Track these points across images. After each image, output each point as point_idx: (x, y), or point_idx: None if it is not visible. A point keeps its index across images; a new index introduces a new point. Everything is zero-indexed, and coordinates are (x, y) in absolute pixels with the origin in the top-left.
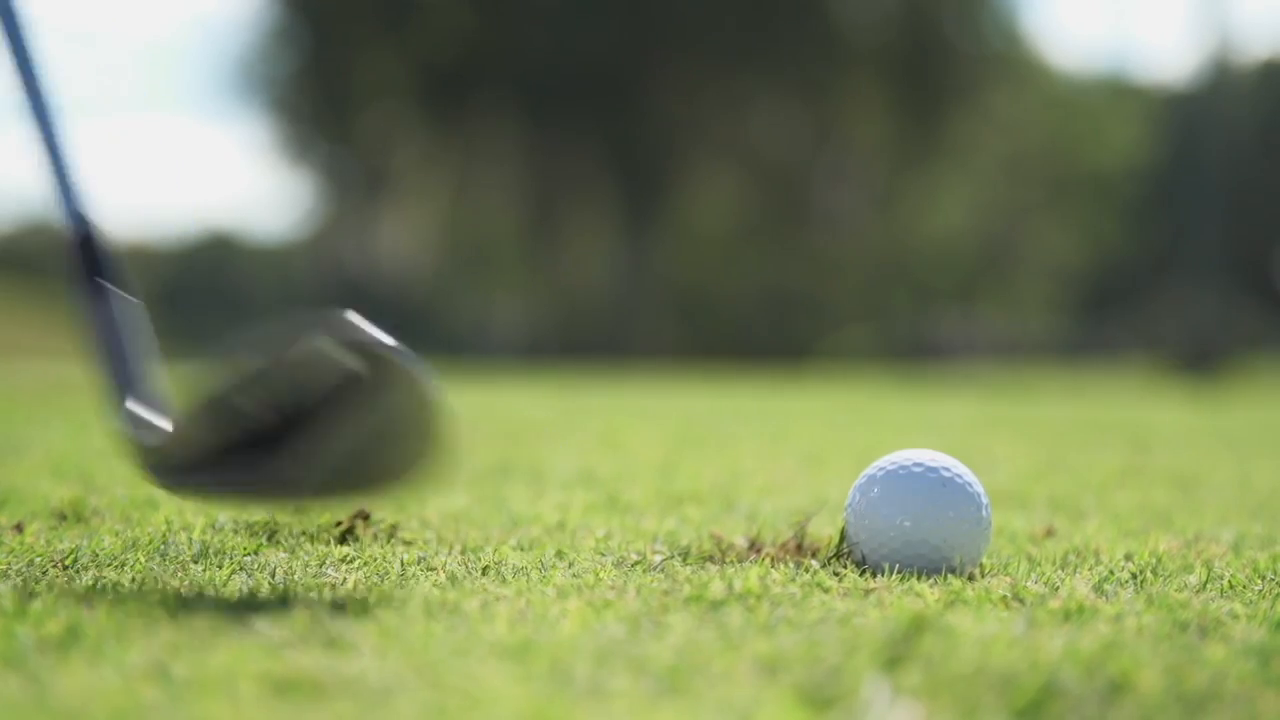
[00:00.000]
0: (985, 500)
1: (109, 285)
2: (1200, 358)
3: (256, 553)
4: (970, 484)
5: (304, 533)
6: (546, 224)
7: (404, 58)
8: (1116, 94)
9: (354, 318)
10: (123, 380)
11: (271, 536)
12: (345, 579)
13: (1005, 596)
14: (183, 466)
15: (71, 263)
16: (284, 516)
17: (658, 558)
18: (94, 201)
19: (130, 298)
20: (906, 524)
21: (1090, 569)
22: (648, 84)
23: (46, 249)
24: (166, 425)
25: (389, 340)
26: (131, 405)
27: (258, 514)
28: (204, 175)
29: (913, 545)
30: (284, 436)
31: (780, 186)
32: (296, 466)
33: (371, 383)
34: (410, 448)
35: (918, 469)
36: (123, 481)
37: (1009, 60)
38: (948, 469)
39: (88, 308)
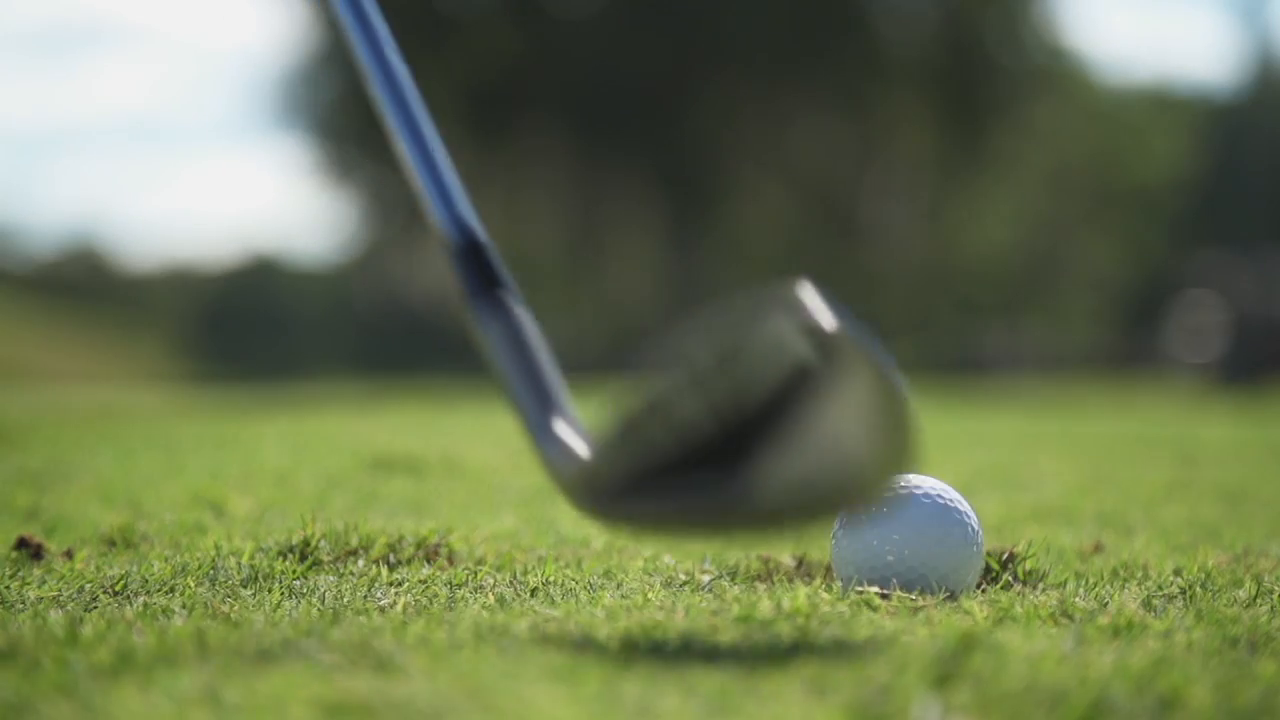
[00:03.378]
0: (976, 526)
1: (507, 296)
2: (1257, 369)
3: (305, 576)
4: (962, 510)
5: (352, 555)
6: (592, 241)
7: (448, 79)
8: (1160, 106)
9: (806, 292)
10: (540, 399)
11: (319, 561)
12: (394, 602)
13: (1054, 613)
14: (616, 491)
15: (461, 276)
16: (324, 538)
17: (706, 578)
18: (470, 207)
19: (524, 306)
20: (890, 558)
21: (1139, 584)
22: (692, 101)
23: (89, 276)
24: (589, 444)
25: (844, 322)
26: (553, 426)
27: (296, 536)
28: (248, 198)
29: (897, 570)
30: (728, 449)
31: (825, 201)
32: (746, 484)
33: (827, 377)
34: (874, 454)
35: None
36: (171, 507)
37: (1051, 73)
38: (942, 495)
39: (489, 324)
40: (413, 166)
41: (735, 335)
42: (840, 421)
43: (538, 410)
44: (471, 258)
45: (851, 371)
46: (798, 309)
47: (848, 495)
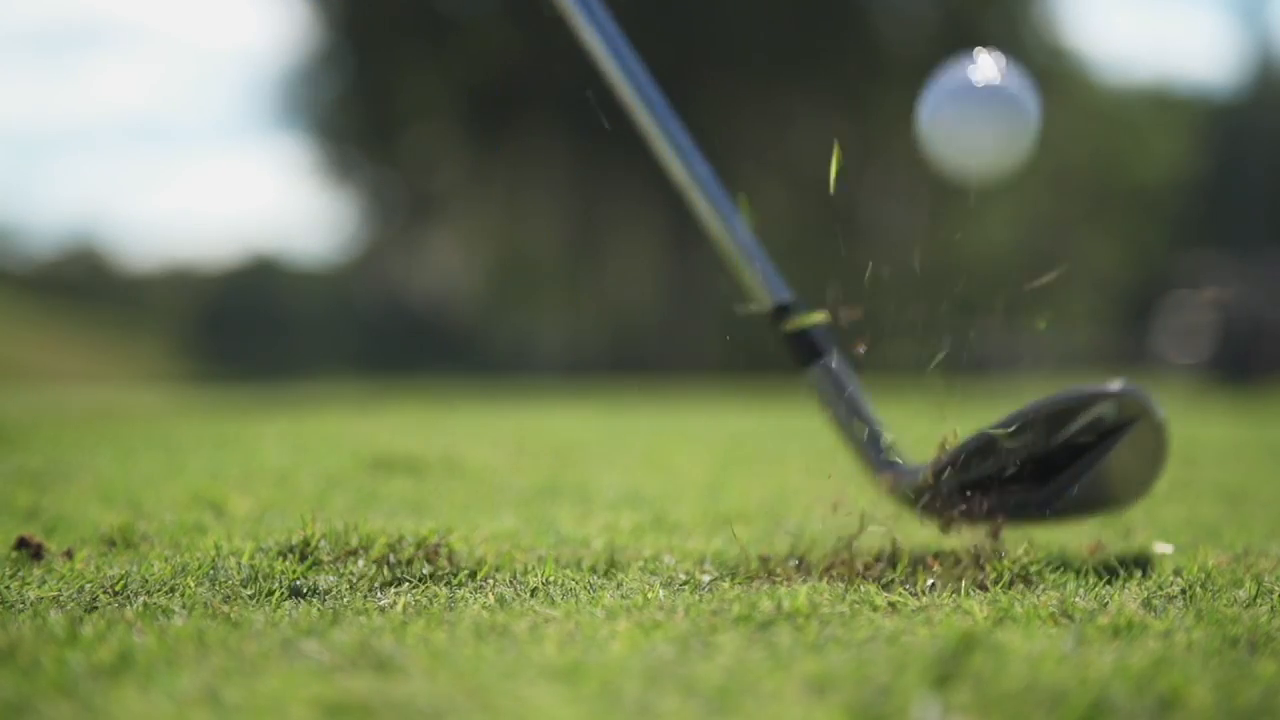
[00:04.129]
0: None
1: (830, 358)
2: (1246, 370)
3: (305, 577)
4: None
5: (352, 555)
6: (592, 241)
7: (448, 79)
8: (1160, 106)
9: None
10: (872, 435)
11: (319, 561)
12: (394, 602)
13: (1054, 613)
14: (946, 499)
15: (793, 349)
16: (324, 539)
17: (706, 578)
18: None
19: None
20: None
21: (1139, 584)
22: (691, 101)
23: (89, 276)
24: (917, 466)
25: (1137, 389)
26: (887, 454)
27: (296, 536)
28: (248, 198)
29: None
30: (1034, 472)
31: (824, 201)
32: (1047, 498)
33: (1118, 423)
34: (1142, 475)
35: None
36: (171, 507)
37: (1051, 74)
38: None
39: (823, 386)
40: (735, 252)
41: (1053, 397)
42: (1125, 457)
43: (873, 444)
44: (798, 332)
45: (1139, 420)
46: (1103, 386)
47: (1119, 505)
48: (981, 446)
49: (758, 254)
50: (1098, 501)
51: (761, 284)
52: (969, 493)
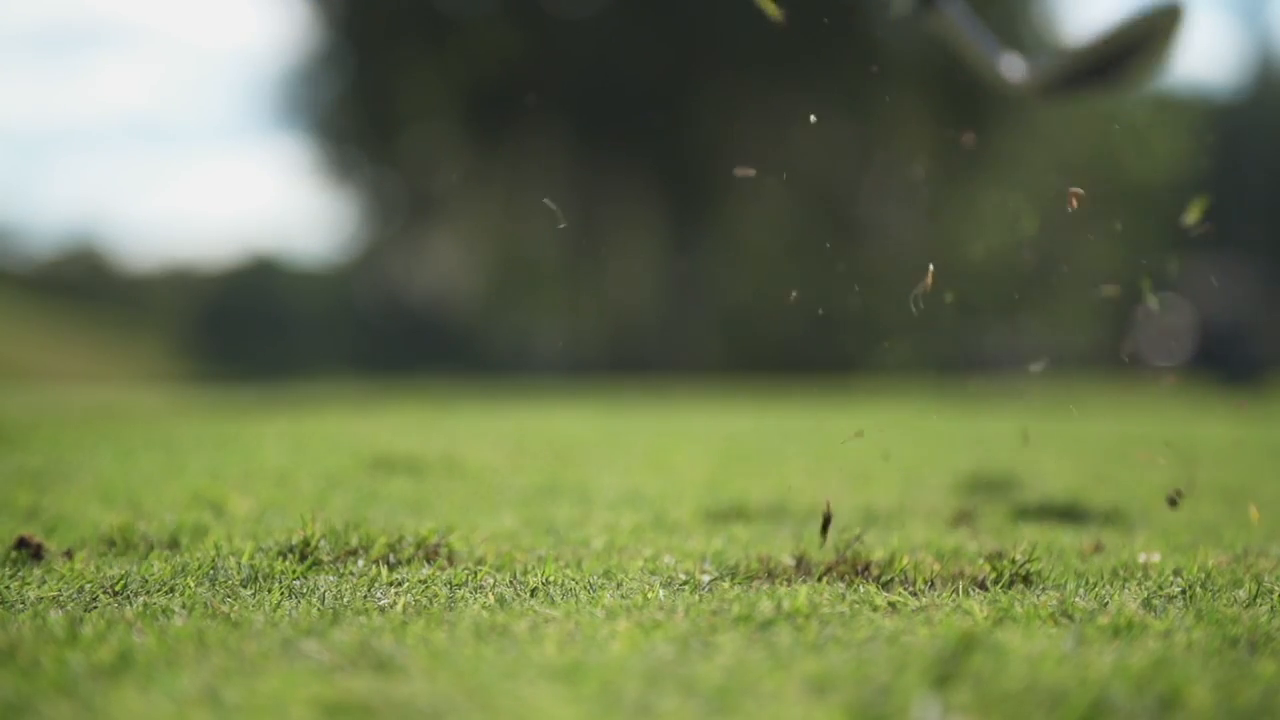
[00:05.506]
0: None
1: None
2: (1247, 370)
3: (305, 577)
4: None
5: (352, 555)
6: (592, 241)
7: (448, 79)
8: (1160, 106)
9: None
10: (990, 42)
11: (319, 561)
12: (394, 602)
13: (1054, 613)
14: (1047, 86)
15: None
16: (326, 538)
17: (706, 578)
18: None
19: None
20: None
21: (1139, 584)
22: (692, 102)
23: (89, 276)
24: (1024, 65)
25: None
26: (1005, 58)
27: (296, 536)
28: (248, 198)
29: None
30: (1111, 63)
31: (825, 201)
32: (1119, 77)
33: (1160, 30)
34: (1172, 50)
35: None
36: (171, 507)
37: None
38: None
39: (947, 17)
40: None
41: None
42: (1164, 44)
43: (991, 48)
44: None
45: (1175, 25)
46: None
47: (1158, 71)
48: (1074, 53)
49: None
50: (1149, 75)
51: None
52: (1064, 82)
